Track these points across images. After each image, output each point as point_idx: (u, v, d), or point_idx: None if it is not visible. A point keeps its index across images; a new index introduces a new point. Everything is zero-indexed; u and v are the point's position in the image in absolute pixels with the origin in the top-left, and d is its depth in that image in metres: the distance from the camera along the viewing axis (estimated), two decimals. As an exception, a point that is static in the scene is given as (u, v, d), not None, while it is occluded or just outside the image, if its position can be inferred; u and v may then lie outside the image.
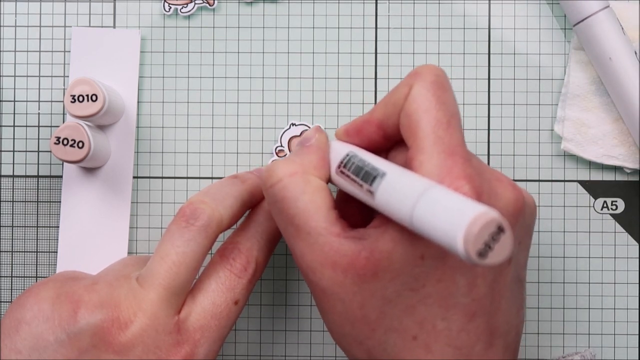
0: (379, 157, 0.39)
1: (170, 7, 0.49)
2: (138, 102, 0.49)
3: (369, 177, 0.38)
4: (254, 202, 0.45)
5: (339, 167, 0.40)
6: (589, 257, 0.49)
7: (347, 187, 0.40)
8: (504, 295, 0.38)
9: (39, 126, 0.50)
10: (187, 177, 0.50)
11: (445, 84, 0.39)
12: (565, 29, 0.49)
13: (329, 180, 0.41)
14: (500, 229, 0.31)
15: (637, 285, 0.49)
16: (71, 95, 0.45)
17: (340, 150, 0.41)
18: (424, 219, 0.33)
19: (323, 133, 0.43)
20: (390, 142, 0.41)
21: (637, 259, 0.49)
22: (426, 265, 0.37)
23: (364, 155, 0.39)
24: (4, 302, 0.50)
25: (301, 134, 0.49)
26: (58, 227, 0.49)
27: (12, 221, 0.50)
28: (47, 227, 0.50)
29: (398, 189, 0.35)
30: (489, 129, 0.49)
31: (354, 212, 0.42)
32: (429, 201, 0.33)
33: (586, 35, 0.47)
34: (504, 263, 0.38)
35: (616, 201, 0.49)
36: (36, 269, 0.50)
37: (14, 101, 0.50)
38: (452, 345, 0.37)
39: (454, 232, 0.31)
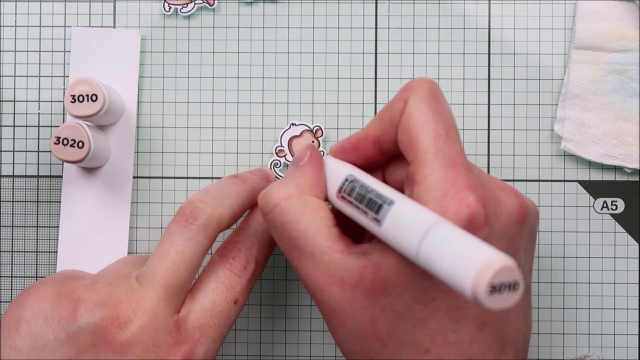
0: (379, 182, 0.39)
1: (170, 7, 0.49)
2: (138, 102, 0.49)
3: (374, 204, 0.37)
4: (254, 202, 0.45)
5: (339, 191, 0.40)
6: (589, 257, 0.49)
7: (348, 211, 0.39)
8: None
9: (39, 126, 0.50)
10: (187, 177, 0.50)
11: (439, 95, 0.39)
12: (565, 29, 0.49)
13: (326, 198, 0.41)
14: (511, 275, 0.31)
15: (637, 285, 0.49)
16: (71, 95, 0.45)
17: (337, 170, 0.41)
18: (431, 256, 0.33)
19: (316, 151, 0.42)
20: (386, 158, 0.41)
21: (637, 259, 0.49)
22: (435, 279, 0.36)
23: (366, 180, 0.39)
24: (4, 302, 0.50)
25: (301, 134, 0.49)
26: (58, 227, 0.49)
27: (12, 221, 0.50)
28: (47, 227, 0.50)
29: (404, 221, 0.35)
30: (489, 129, 0.49)
31: (355, 228, 0.42)
32: (437, 238, 0.33)
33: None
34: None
35: (616, 201, 0.49)
36: (36, 269, 0.50)
37: (14, 101, 0.50)
38: (464, 356, 0.37)
39: (462, 274, 0.31)
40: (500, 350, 0.38)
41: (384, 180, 0.42)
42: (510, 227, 0.38)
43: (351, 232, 0.41)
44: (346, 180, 0.40)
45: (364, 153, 0.41)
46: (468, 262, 0.31)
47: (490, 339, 0.37)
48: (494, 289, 0.30)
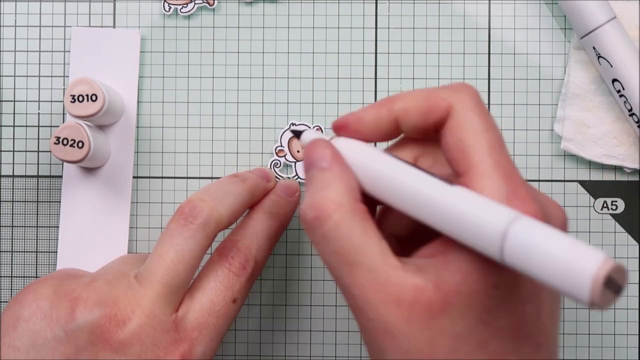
0: (411, 165, 0.37)
1: (170, 7, 0.50)
2: (138, 102, 0.50)
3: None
4: (254, 201, 0.45)
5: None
6: (589, 257, 0.49)
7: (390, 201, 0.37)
8: (557, 321, 0.37)
9: (39, 126, 0.50)
10: (187, 177, 0.50)
11: (485, 106, 0.37)
12: (565, 29, 0.49)
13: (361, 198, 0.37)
14: (620, 274, 0.29)
15: (637, 285, 0.49)
16: (71, 95, 0.45)
17: (358, 152, 0.38)
18: (523, 256, 0.31)
19: (330, 146, 0.38)
20: (394, 137, 0.39)
21: (637, 259, 0.49)
22: (499, 296, 0.34)
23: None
24: (4, 302, 0.50)
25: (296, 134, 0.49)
26: (58, 227, 0.49)
27: (12, 221, 0.50)
28: (47, 227, 0.50)
29: (470, 214, 0.33)
30: (489, 129, 0.49)
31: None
32: (524, 235, 0.31)
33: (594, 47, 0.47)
34: None
35: (616, 201, 0.49)
36: (36, 269, 0.50)
37: (14, 101, 0.50)
38: None
39: (576, 277, 0.29)
40: None
41: None
42: None
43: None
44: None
45: (383, 129, 0.38)
46: (581, 265, 0.29)
47: (543, 358, 0.36)
48: (611, 284, 0.29)
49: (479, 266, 0.34)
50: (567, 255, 0.29)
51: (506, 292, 0.34)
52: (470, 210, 0.33)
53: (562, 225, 0.37)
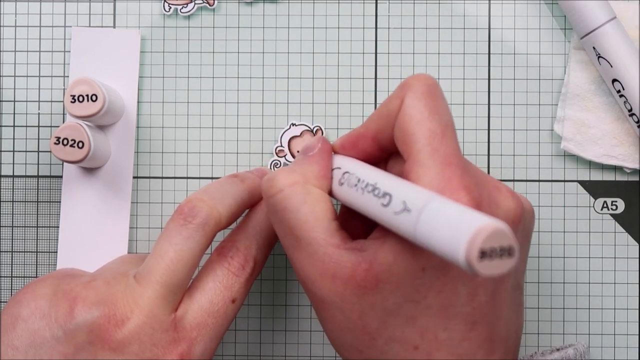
0: (378, 170, 0.39)
1: (170, 7, 0.50)
2: (138, 102, 0.50)
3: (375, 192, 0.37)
4: (253, 202, 0.45)
5: (340, 183, 0.40)
6: (589, 257, 0.49)
7: (348, 201, 0.39)
8: (505, 303, 0.39)
9: (39, 126, 0.50)
10: (187, 177, 0.50)
11: (437, 93, 0.38)
12: (565, 29, 0.49)
13: (330, 192, 0.41)
14: (504, 239, 0.30)
15: (637, 285, 0.49)
16: (71, 95, 0.45)
17: (340, 164, 0.41)
18: (427, 232, 0.32)
19: (327, 143, 0.42)
20: (386, 153, 0.41)
21: (637, 259, 0.49)
22: (427, 277, 0.36)
23: (363, 170, 0.39)
24: (4, 302, 0.50)
25: (301, 134, 0.49)
26: (58, 227, 0.49)
27: (12, 221, 0.50)
28: (47, 227, 0.50)
29: (396, 201, 0.35)
30: (489, 129, 0.49)
31: (357, 224, 0.42)
32: (432, 214, 0.33)
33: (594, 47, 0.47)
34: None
35: (616, 201, 0.49)
36: (36, 269, 0.50)
37: (14, 101, 0.50)
38: (454, 354, 0.37)
39: (456, 243, 0.30)
40: (490, 348, 0.38)
41: None
42: None
43: (360, 230, 0.42)
44: (347, 172, 0.40)
45: (363, 149, 0.41)
46: (461, 231, 0.30)
47: (480, 337, 0.37)
48: (486, 254, 0.30)
49: (409, 250, 0.36)
50: (454, 227, 0.31)
51: (434, 274, 0.36)
52: (396, 198, 0.35)
53: (508, 213, 0.38)
